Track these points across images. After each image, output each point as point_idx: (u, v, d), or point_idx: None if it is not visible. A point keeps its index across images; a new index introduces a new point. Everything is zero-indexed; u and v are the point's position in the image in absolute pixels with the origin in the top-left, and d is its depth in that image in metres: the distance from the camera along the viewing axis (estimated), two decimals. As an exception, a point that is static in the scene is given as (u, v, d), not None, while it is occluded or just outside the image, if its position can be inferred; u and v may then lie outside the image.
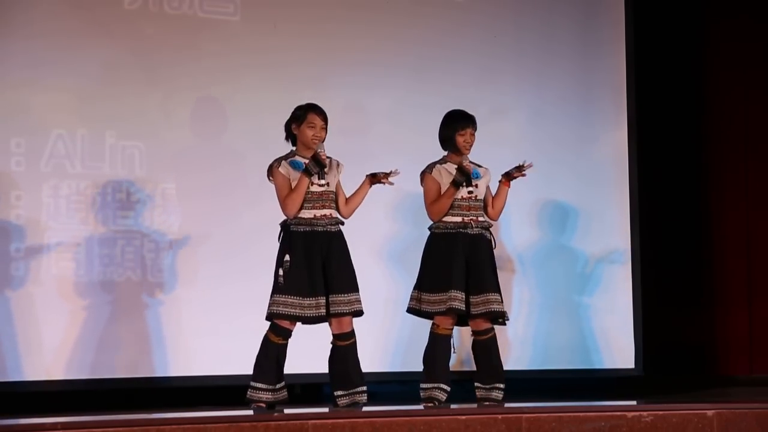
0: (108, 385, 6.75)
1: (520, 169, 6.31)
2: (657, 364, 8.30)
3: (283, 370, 5.91)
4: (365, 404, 5.94)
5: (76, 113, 6.80)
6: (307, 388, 7.13)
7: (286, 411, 5.71)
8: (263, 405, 5.84)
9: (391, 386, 7.51)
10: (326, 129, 5.94)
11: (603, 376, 7.98)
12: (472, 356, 6.27)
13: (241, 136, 7.12)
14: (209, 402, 6.45)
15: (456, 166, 6.18)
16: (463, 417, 5.46)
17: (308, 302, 5.82)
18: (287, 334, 5.87)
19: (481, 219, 6.20)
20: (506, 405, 6.05)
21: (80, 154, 6.80)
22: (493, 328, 6.20)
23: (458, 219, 6.15)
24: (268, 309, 5.84)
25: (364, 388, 5.99)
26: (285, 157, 5.95)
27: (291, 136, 6.00)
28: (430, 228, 6.25)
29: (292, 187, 5.86)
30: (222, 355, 6.86)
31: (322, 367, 6.88)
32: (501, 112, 7.85)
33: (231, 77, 7.14)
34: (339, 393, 5.95)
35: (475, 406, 6.05)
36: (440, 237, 6.16)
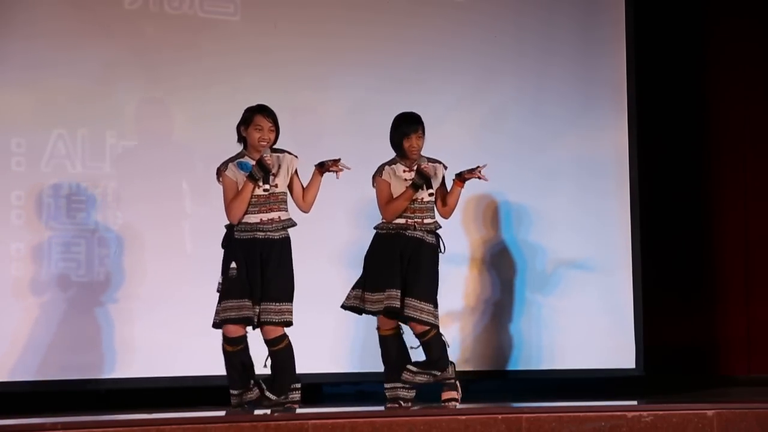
0: (108, 385, 6.75)
1: (472, 171, 6.18)
2: (657, 364, 8.30)
3: (251, 371, 5.84)
4: (298, 402, 5.86)
5: (76, 113, 6.80)
6: (307, 388, 7.11)
7: (286, 411, 5.71)
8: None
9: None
10: (276, 131, 5.84)
11: (603, 376, 7.97)
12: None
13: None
14: (209, 402, 6.45)
15: (404, 167, 6.08)
16: (463, 417, 5.45)
17: (237, 304, 5.72)
18: (236, 341, 5.77)
19: (427, 221, 6.09)
20: (506, 405, 6.04)
21: (80, 154, 6.80)
22: (426, 331, 6.06)
23: (402, 220, 6.06)
24: (214, 317, 5.77)
25: (297, 385, 5.87)
26: (233, 159, 5.86)
27: (241, 138, 5.89)
28: (375, 227, 6.14)
29: (239, 189, 5.78)
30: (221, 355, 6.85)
31: (322, 367, 6.93)
32: (501, 112, 7.85)
33: (231, 77, 7.13)
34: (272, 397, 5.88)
35: (475, 406, 6.05)
36: (383, 237, 6.07)
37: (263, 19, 7.29)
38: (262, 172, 5.75)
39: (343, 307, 6.13)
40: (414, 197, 6.06)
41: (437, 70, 7.69)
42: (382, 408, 5.98)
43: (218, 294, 5.78)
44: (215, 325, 5.78)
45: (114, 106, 6.88)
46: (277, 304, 5.77)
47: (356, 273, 6.12)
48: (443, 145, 7.58)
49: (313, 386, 7.28)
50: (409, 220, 6.06)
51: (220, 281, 5.77)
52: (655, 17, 8.71)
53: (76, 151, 6.79)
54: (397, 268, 6.00)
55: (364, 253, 6.15)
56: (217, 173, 5.88)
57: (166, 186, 6.96)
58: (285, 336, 5.83)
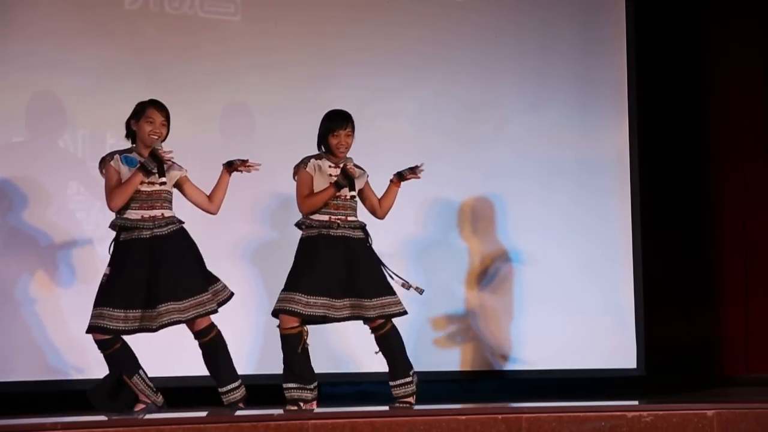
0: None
1: (413, 171, 6.09)
2: (657, 364, 8.30)
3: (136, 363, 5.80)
4: (240, 401, 5.82)
5: (77, 113, 6.80)
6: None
7: (287, 411, 5.71)
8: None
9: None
10: (167, 126, 5.77)
11: (603, 376, 7.97)
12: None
13: (241, 136, 7.11)
14: (209, 402, 6.45)
15: (330, 164, 5.99)
16: (463, 417, 5.45)
17: (116, 314, 5.64)
18: (108, 344, 5.70)
19: (350, 219, 5.99)
20: (506, 405, 6.04)
21: (80, 154, 6.80)
22: (388, 321, 6.01)
23: (325, 218, 5.95)
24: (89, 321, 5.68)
25: (235, 384, 5.84)
26: (120, 152, 5.77)
27: (131, 132, 5.81)
28: (298, 226, 6.01)
29: (122, 181, 5.68)
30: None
31: (321, 367, 6.89)
32: (501, 112, 7.85)
33: (231, 77, 7.14)
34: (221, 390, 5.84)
35: (475, 406, 6.05)
36: (308, 240, 5.95)
37: (263, 19, 7.30)
38: (155, 162, 5.65)
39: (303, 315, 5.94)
40: (343, 195, 5.95)
41: (437, 70, 7.69)
42: (382, 408, 5.98)
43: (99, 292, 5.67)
44: (89, 331, 5.68)
45: (114, 106, 6.88)
46: (180, 302, 5.69)
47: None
48: (443, 145, 7.61)
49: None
50: (332, 217, 5.96)
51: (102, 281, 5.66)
52: (655, 17, 8.71)
53: (76, 151, 6.79)
54: (333, 274, 5.89)
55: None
56: (100, 163, 5.77)
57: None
58: (212, 325, 5.80)
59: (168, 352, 6.83)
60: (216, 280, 5.87)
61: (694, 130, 8.89)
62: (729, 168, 8.73)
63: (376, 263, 6.03)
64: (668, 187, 8.87)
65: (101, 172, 5.79)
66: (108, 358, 5.76)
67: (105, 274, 5.69)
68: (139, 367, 5.83)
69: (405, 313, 6.01)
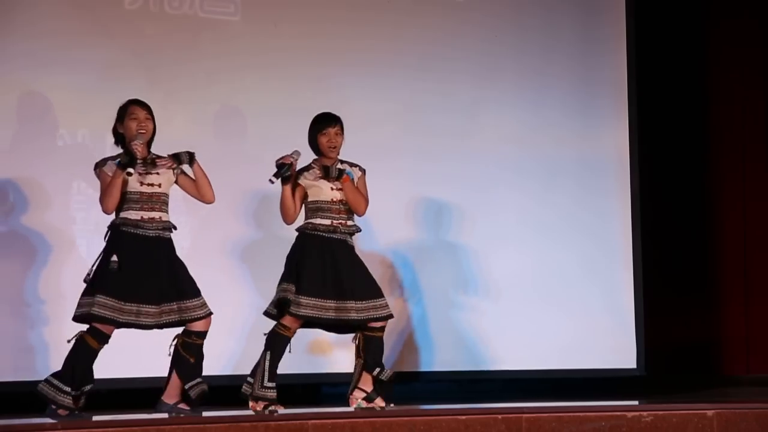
0: (108, 385, 6.75)
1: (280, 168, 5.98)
2: (657, 364, 8.30)
3: (92, 373, 5.73)
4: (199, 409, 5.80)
5: (77, 113, 6.80)
6: (307, 388, 7.13)
7: (287, 411, 5.71)
8: (64, 410, 5.62)
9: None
10: (152, 120, 5.78)
11: (603, 376, 7.97)
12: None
13: (241, 137, 7.11)
14: (209, 402, 6.44)
15: (317, 169, 6.01)
16: (463, 417, 5.45)
17: (128, 307, 5.64)
18: (106, 339, 5.68)
19: (349, 223, 6.02)
20: (506, 405, 6.04)
21: (80, 154, 6.80)
22: (383, 328, 6.04)
23: (327, 222, 5.97)
24: (80, 309, 5.64)
25: (199, 380, 5.81)
26: (113, 158, 5.78)
27: (119, 138, 5.82)
28: (298, 230, 6.03)
29: None
30: (221, 355, 6.85)
31: (321, 367, 6.91)
32: (501, 112, 7.85)
33: (231, 77, 7.14)
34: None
35: (475, 406, 6.05)
36: (306, 237, 5.96)
37: (263, 19, 7.30)
38: (128, 157, 5.66)
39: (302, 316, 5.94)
40: (333, 199, 5.96)
41: (438, 70, 7.69)
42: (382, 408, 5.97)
43: (95, 283, 5.63)
44: (83, 319, 5.63)
45: (114, 106, 6.87)
46: (198, 299, 5.74)
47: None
48: (443, 145, 7.61)
49: (313, 386, 7.28)
50: (334, 222, 5.98)
51: (110, 270, 5.62)
52: (655, 17, 8.71)
53: (76, 151, 6.79)
54: (333, 276, 5.90)
55: (364, 252, 6.08)
56: (95, 168, 5.80)
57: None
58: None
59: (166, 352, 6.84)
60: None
61: (693, 131, 8.89)
62: (729, 168, 8.72)
63: (362, 265, 6.04)
64: (668, 186, 8.86)
65: (97, 177, 5.81)
66: (91, 353, 5.65)
67: (113, 262, 5.64)
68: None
69: (391, 316, 6.02)
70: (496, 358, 7.66)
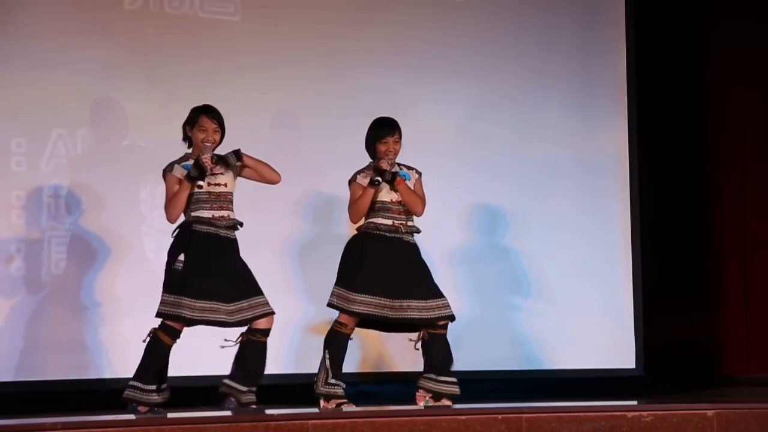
0: (107, 385, 6.75)
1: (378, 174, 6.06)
2: (657, 364, 8.30)
3: (166, 371, 5.82)
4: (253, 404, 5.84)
5: (76, 113, 6.80)
6: (307, 388, 7.12)
7: (286, 411, 5.71)
8: (144, 408, 5.71)
9: (391, 386, 7.52)
10: (221, 132, 5.83)
11: (603, 376, 7.97)
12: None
13: (241, 136, 7.10)
14: (209, 402, 6.45)
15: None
16: (463, 417, 5.45)
17: (199, 305, 5.71)
18: (177, 335, 5.76)
19: (410, 224, 6.09)
20: (506, 405, 6.04)
21: (80, 154, 6.80)
22: (446, 326, 6.08)
23: (389, 222, 6.03)
24: (162, 307, 5.70)
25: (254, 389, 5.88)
26: (179, 161, 5.85)
27: (187, 138, 5.90)
28: (358, 230, 6.10)
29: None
30: (221, 355, 6.86)
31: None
32: (501, 112, 7.85)
33: (231, 77, 7.14)
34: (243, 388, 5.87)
35: (475, 406, 6.05)
36: (369, 236, 6.01)
37: (263, 19, 7.30)
38: (197, 170, 5.73)
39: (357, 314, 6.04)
40: (392, 199, 6.03)
41: (437, 70, 7.69)
42: (382, 408, 5.98)
43: (167, 282, 5.71)
44: (163, 316, 5.70)
45: (114, 106, 6.88)
46: (263, 297, 5.82)
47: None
48: (443, 145, 7.61)
49: (313, 386, 7.27)
50: (396, 222, 6.04)
51: (175, 268, 5.69)
52: (655, 17, 8.71)
53: (76, 151, 6.79)
54: (398, 274, 5.97)
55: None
56: (162, 174, 5.86)
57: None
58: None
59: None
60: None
61: (693, 131, 8.89)
62: (729, 167, 8.73)
63: (425, 266, 6.11)
64: (667, 186, 8.86)
65: (164, 180, 5.86)
66: (166, 349, 5.75)
67: (179, 261, 5.70)
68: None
69: (453, 317, 6.10)
70: (496, 359, 7.66)
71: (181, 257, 5.71)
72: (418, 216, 6.12)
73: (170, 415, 5.55)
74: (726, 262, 8.72)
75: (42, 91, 6.72)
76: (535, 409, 5.67)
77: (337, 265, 6.08)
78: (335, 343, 6.01)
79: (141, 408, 5.71)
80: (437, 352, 6.06)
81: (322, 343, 6.05)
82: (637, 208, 8.15)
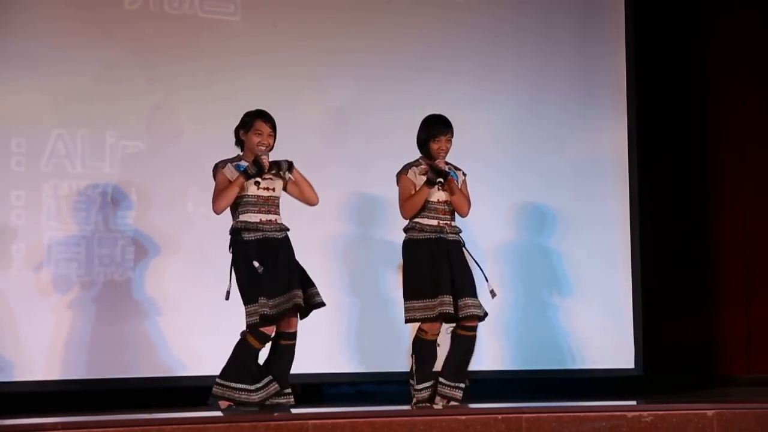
0: (107, 385, 6.76)
1: (434, 173, 6.15)
2: (657, 364, 8.30)
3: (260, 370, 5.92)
4: (293, 406, 5.92)
5: (76, 113, 6.80)
6: (307, 388, 7.12)
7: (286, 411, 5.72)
8: (225, 404, 5.85)
9: (391, 386, 7.52)
10: (274, 136, 5.94)
11: (603, 376, 7.97)
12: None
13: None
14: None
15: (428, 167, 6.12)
16: (463, 417, 5.45)
17: (272, 302, 5.80)
18: (267, 339, 5.87)
19: (453, 224, 6.16)
20: (506, 405, 6.04)
21: (80, 154, 6.80)
22: (476, 327, 6.14)
23: (434, 222, 6.08)
24: (250, 318, 5.80)
25: (290, 390, 5.97)
26: (231, 160, 5.95)
27: (239, 141, 6.00)
28: (407, 231, 6.14)
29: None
30: (221, 355, 6.86)
31: (321, 367, 6.91)
32: (501, 112, 7.85)
33: (231, 77, 7.14)
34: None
35: (475, 406, 6.05)
36: (422, 242, 6.08)
37: (263, 19, 7.30)
38: (256, 167, 5.83)
39: (405, 322, 6.14)
40: (439, 199, 6.09)
41: (437, 70, 7.69)
42: (382, 408, 5.97)
43: (243, 295, 5.83)
44: (255, 325, 5.80)
45: (114, 106, 6.89)
46: (311, 288, 5.92)
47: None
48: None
49: (313, 386, 7.28)
50: (441, 222, 6.10)
51: (257, 276, 5.80)
52: (654, 18, 8.71)
53: (76, 151, 6.80)
54: (445, 271, 6.02)
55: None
56: (213, 169, 5.95)
57: (165, 185, 6.96)
58: (296, 333, 5.97)
59: (169, 353, 6.85)
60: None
61: (693, 131, 8.89)
62: (728, 168, 8.72)
63: (468, 266, 6.18)
64: (667, 187, 8.86)
65: (214, 177, 5.94)
66: (254, 352, 5.85)
67: (258, 268, 5.80)
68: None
69: (486, 315, 6.16)
70: (496, 359, 7.66)
71: (256, 263, 5.81)
72: (463, 217, 6.21)
73: (170, 415, 5.55)
74: (726, 262, 8.72)
75: (42, 91, 6.72)
76: (535, 409, 5.67)
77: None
78: (420, 349, 6.10)
79: (221, 403, 5.83)
80: (464, 350, 6.13)
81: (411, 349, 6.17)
82: (636, 208, 8.14)
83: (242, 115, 5.98)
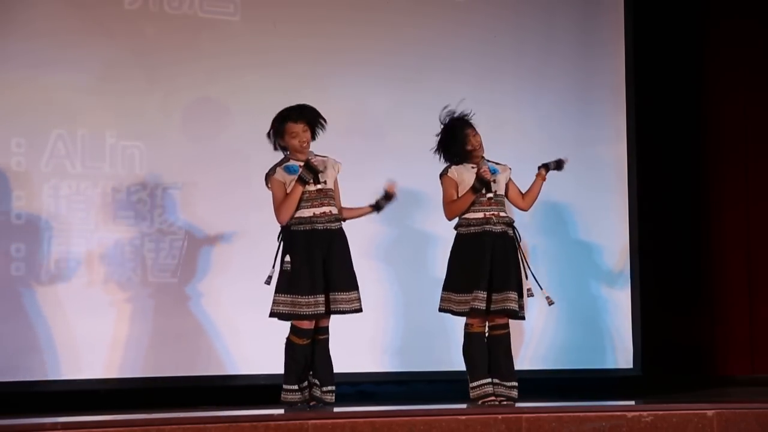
0: (107, 386, 6.76)
1: (559, 164, 6.39)
2: (656, 364, 8.30)
3: (306, 370, 5.95)
4: (333, 404, 5.94)
5: (76, 113, 6.80)
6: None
7: (286, 411, 5.71)
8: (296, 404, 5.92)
9: (391, 386, 7.52)
10: (311, 129, 5.93)
11: (603, 376, 7.97)
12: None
13: (241, 136, 7.11)
14: (209, 402, 6.45)
15: (472, 166, 6.18)
16: (463, 417, 5.46)
17: (305, 300, 5.82)
18: (306, 334, 5.88)
19: (502, 214, 6.20)
20: (506, 405, 6.04)
21: (80, 154, 6.80)
22: (508, 325, 6.18)
23: (480, 215, 6.14)
24: (277, 307, 5.84)
25: (333, 387, 5.98)
26: (280, 164, 5.96)
27: (279, 146, 6.00)
28: (456, 228, 6.22)
29: (287, 191, 5.88)
30: (222, 355, 6.86)
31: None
32: (500, 113, 7.85)
33: (231, 77, 7.14)
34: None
35: (475, 406, 6.05)
36: (466, 237, 6.15)
37: (263, 19, 7.30)
38: (311, 173, 5.85)
39: (439, 310, 6.21)
40: (480, 199, 6.15)
41: (437, 70, 7.69)
42: (382, 408, 5.98)
43: (278, 283, 5.85)
44: (281, 317, 5.84)
45: (114, 106, 6.89)
46: (347, 293, 5.90)
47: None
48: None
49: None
50: (487, 213, 6.14)
51: (285, 269, 5.82)
52: (654, 19, 8.71)
53: (76, 151, 6.80)
54: (484, 266, 6.07)
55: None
56: (265, 179, 5.96)
57: (165, 186, 6.96)
58: (328, 328, 5.99)
59: (168, 353, 6.84)
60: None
61: (692, 131, 8.88)
62: (729, 167, 8.71)
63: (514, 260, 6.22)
64: (667, 187, 8.85)
65: (267, 187, 5.95)
66: (299, 349, 5.86)
67: (287, 262, 5.81)
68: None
69: (520, 311, 6.22)
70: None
71: (287, 258, 5.81)
72: (524, 210, 6.39)
73: (170, 415, 5.55)
74: (726, 262, 8.71)
75: (42, 91, 6.72)
76: (535, 409, 5.68)
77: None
78: (469, 344, 6.14)
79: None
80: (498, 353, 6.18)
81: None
82: (635, 208, 8.14)
83: (271, 121, 5.97)
